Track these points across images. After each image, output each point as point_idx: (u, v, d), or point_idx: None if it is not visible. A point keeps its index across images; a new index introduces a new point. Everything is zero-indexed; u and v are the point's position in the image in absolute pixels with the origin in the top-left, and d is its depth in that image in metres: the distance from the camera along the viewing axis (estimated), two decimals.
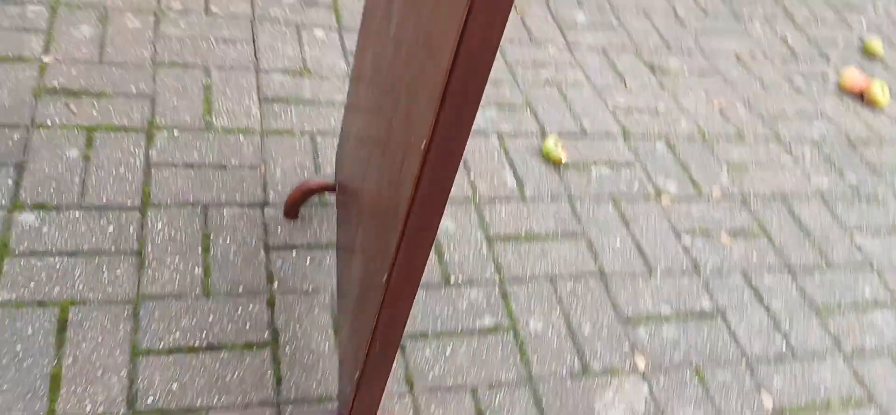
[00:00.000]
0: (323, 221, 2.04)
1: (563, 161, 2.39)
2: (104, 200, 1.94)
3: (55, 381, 1.58)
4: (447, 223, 2.13)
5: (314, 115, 2.34)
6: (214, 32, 2.53)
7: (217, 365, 1.68)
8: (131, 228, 1.90)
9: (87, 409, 1.55)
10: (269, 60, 2.48)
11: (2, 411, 1.52)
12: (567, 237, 2.20)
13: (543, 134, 2.51)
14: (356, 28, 2.72)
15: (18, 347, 1.62)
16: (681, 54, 3.10)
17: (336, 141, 2.27)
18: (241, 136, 2.21)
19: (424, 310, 1.91)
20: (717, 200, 2.47)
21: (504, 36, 2.91)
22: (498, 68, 2.73)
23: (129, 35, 2.43)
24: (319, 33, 2.66)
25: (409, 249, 1.25)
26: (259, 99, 2.34)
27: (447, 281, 1.99)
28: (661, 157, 2.57)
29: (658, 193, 2.43)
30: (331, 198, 2.12)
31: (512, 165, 2.37)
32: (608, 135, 2.59)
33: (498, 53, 2.80)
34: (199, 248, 1.90)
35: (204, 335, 1.73)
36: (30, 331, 1.65)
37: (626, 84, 2.86)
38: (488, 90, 2.62)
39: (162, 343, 1.69)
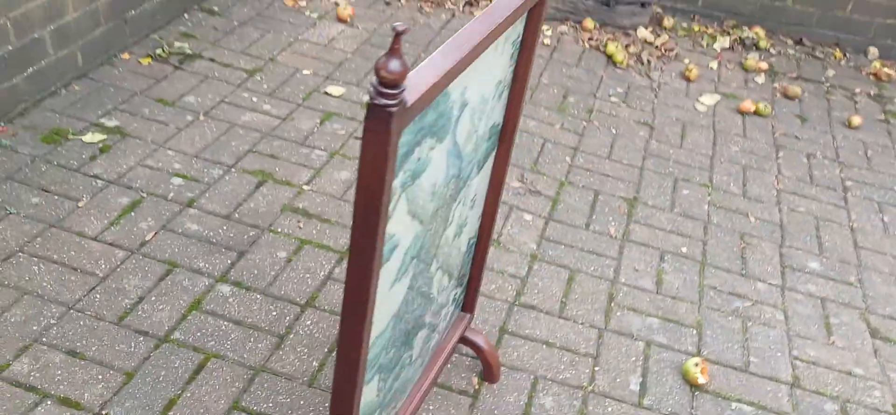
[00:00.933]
0: None
1: (700, 383, 2.20)
2: (281, 293, 2.30)
3: (169, 406, 1.92)
4: (546, 400, 2.10)
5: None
6: None
7: None
8: (288, 318, 2.22)
9: None
10: None
11: (124, 412, 1.88)
12: None
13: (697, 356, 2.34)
14: (566, 221, 2.84)
15: (162, 373, 2.00)
16: None
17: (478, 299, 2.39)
18: None
19: None
20: None
21: (704, 256, 2.77)
22: (684, 285, 2.62)
23: None
24: (527, 216, 2.83)
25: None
26: None
27: None
28: None
29: None
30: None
31: (644, 372, 2.25)
32: (773, 378, 2.32)
33: (691, 274, 2.69)
34: (327, 348, 2.14)
35: (288, 413, 1.94)
36: (176, 364, 2.02)
37: (830, 340, 2.52)
38: (661, 302, 2.52)
39: (256, 407, 1.95)
